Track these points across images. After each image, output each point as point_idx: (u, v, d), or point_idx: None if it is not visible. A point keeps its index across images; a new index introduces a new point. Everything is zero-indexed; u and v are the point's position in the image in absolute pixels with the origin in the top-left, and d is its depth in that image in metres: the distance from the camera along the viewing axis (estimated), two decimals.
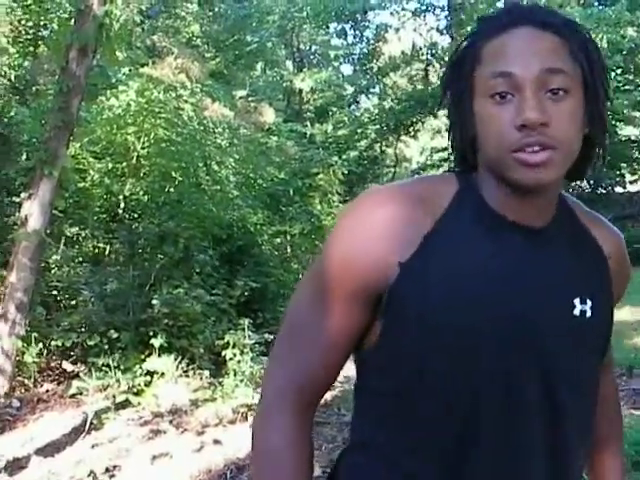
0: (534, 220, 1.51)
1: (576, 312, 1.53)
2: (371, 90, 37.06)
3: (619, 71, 28.32)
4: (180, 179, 11.91)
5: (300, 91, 31.50)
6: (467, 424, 1.42)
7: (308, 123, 25.33)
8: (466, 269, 1.43)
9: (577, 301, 1.53)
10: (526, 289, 1.47)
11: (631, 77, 28.64)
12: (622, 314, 13.19)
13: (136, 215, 11.60)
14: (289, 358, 1.55)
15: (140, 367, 8.83)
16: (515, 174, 1.43)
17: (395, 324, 1.45)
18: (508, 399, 1.43)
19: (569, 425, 1.52)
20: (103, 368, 8.66)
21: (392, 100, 34.83)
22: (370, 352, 1.52)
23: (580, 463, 1.62)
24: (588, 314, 1.54)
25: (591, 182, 28.70)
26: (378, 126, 33.64)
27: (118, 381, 8.49)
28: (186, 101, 12.48)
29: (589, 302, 1.55)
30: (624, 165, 30.10)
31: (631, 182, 30.41)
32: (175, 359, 8.97)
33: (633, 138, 30.02)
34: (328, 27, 36.71)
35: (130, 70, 13.08)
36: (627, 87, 27.89)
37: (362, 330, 1.51)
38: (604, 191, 28.67)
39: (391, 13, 36.52)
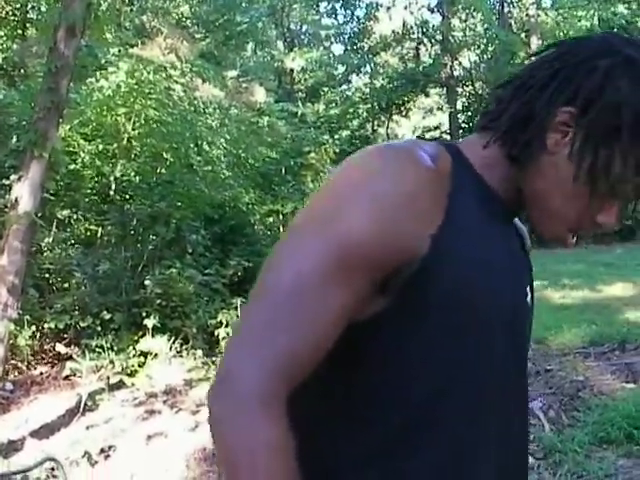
0: (515, 208, 1.53)
1: (528, 299, 1.57)
2: (362, 69, 37.04)
3: None
4: (171, 160, 11.88)
5: (291, 71, 31.49)
6: (476, 406, 1.40)
7: (299, 103, 25.22)
8: (480, 251, 1.39)
9: (527, 289, 1.57)
10: (514, 276, 1.49)
11: None
12: (614, 290, 13.28)
13: (127, 196, 11.56)
14: (281, 336, 1.26)
15: (134, 348, 8.84)
16: (546, 234, 1.48)
17: (417, 297, 1.33)
18: (505, 382, 1.44)
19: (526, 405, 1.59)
20: (96, 349, 8.67)
21: (383, 79, 34.90)
22: (359, 331, 1.34)
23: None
24: (529, 302, 1.58)
25: None
26: (369, 105, 33.68)
27: (112, 362, 8.49)
28: (176, 81, 12.41)
29: (529, 292, 1.59)
30: None
31: None
32: (168, 339, 8.98)
33: None
34: (318, 6, 36.69)
35: (119, 51, 12.97)
36: None
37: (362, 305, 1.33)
38: None
39: None
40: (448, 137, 30.28)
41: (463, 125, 34.26)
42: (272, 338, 1.25)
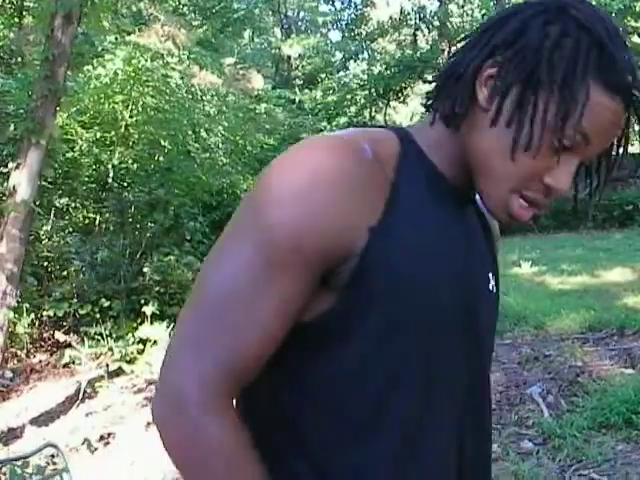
0: (467, 189, 1.46)
1: (491, 287, 1.54)
2: (360, 56, 36.94)
3: None
4: (169, 147, 11.87)
5: (288, 58, 31.46)
6: (428, 399, 1.37)
7: (297, 89, 25.29)
8: (427, 240, 1.35)
9: (490, 275, 1.54)
10: (470, 263, 1.46)
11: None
12: (612, 275, 13.28)
13: (125, 184, 11.56)
14: (219, 339, 1.24)
15: (132, 335, 8.84)
16: (492, 206, 1.41)
17: (360, 293, 1.28)
18: (460, 373, 1.42)
19: (489, 392, 1.55)
20: (96, 337, 8.68)
21: (381, 65, 34.79)
22: (310, 328, 1.31)
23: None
24: (493, 289, 1.55)
25: None
26: (367, 92, 33.58)
27: (111, 349, 8.51)
28: (174, 69, 12.41)
29: (492, 278, 1.55)
30: None
31: None
32: (167, 326, 8.98)
33: None
34: None
35: (116, 38, 12.96)
36: None
37: (305, 304, 1.29)
38: None
39: None
40: None
41: None
42: (209, 342, 1.24)
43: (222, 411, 1.23)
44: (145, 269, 9.60)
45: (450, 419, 1.40)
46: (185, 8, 21.94)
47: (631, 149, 30.05)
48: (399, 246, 1.29)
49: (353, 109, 34.09)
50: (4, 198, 8.41)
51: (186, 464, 1.24)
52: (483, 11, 32.96)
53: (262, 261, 1.23)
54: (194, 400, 1.21)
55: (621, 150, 1.42)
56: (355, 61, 37.54)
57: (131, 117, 11.46)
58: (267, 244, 1.23)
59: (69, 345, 8.66)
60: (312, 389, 1.34)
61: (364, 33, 36.45)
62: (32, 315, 9.04)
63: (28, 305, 8.89)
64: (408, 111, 37.72)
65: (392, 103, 35.62)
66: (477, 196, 1.52)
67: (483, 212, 1.60)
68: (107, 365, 8.24)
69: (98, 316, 9.19)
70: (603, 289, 11.92)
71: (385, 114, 35.40)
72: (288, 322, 1.27)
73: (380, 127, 1.46)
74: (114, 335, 8.79)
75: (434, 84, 1.45)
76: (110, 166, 11.28)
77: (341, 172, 1.25)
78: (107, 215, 11.25)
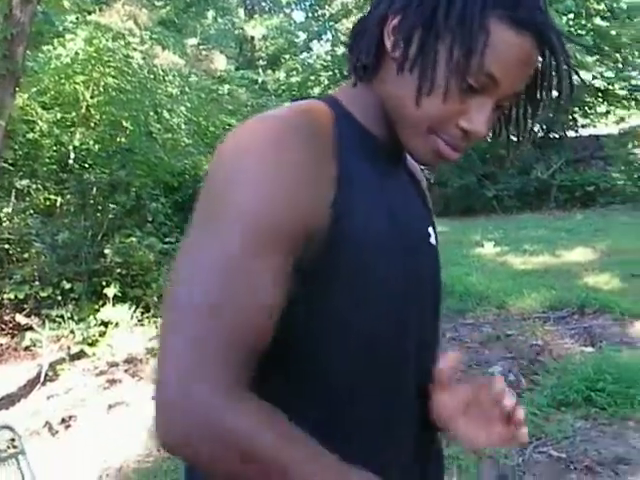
0: (397, 145, 1.44)
1: (432, 240, 1.53)
2: (323, 36, 36.83)
3: (571, 15, 28.41)
4: (131, 128, 11.77)
5: (252, 38, 31.37)
6: (394, 365, 1.39)
7: (260, 70, 25.20)
8: (376, 208, 1.35)
9: (430, 230, 1.54)
10: (411, 220, 1.45)
11: (583, 22, 28.75)
12: (573, 255, 13.42)
13: (87, 165, 11.46)
14: (225, 338, 1.16)
15: (94, 317, 8.79)
16: (418, 150, 1.38)
17: (327, 272, 1.28)
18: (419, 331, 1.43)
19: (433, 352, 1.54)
20: (57, 319, 8.62)
21: (345, 46, 34.72)
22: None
23: None
24: (434, 242, 1.55)
25: (543, 126, 28.86)
26: (331, 73, 33.50)
27: (72, 332, 8.45)
28: (135, 49, 12.30)
29: (432, 231, 1.55)
30: (576, 109, 30.32)
31: (583, 126, 30.67)
32: (129, 308, 8.95)
33: (585, 82, 30.21)
34: None
35: (77, 18, 12.83)
36: (579, 32, 28.00)
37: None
38: (556, 135, 28.82)
39: None
40: None
41: None
42: (217, 344, 1.15)
43: (239, 400, 1.14)
44: (107, 251, 9.54)
45: (409, 379, 1.42)
46: None
47: (592, 130, 30.32)
48: (355, 220, 1.28)
49: (317, 90, 33.98)
50: None
51: (236, 469, 1.13)
52: None
53: (243, 249, 1.19)
54: (222, 406, 1.12)
55: (544, 92, 1.39)
56: (319, 42, 37.46)
57: (92, 98, 11.36)
58: (243, 231, 1.19)
59: (30, 328, 8.59)
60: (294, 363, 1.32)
61: (328, 14, 36.32)
62: None
63: None
64: None
65: None
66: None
67: (410, 165, 1.61)
68: (68, 348, 8.20)
69: (59, 298, 9.12)
70: (564, 269, 12.05)
71: None
72: (283, 299, 1.22)
73: (304, 99, 1.44)
74: (75, 317, 8.73)
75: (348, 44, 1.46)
76: (71, 147, 11.18)
77: (291, 154, 1.23)
78: (68, 197, 11.14)
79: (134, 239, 9.75)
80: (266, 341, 1.20)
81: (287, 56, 35.06)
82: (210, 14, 27.04)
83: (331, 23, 36.14)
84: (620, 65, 29.50)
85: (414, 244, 1.43)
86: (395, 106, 1.37)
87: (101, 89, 11.38)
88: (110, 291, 8.95)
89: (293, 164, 1.22)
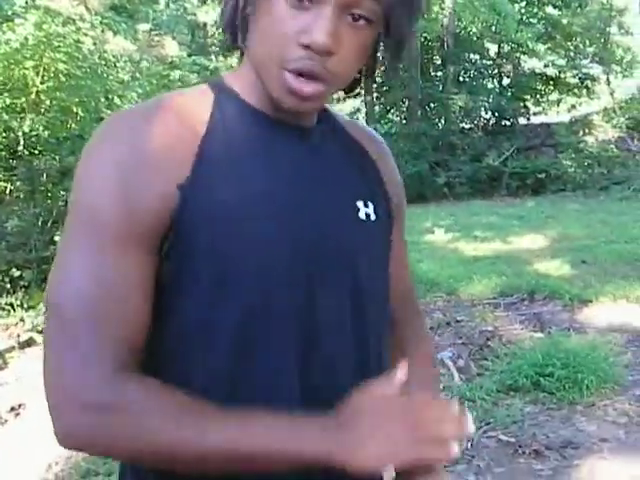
0: (298, 119, 1.43)
1: (361, 215, 1.49)
2: None
3: (523, 4, 28.63)
4: (81, 114, 11.67)
5: (204, 24, 31.10)
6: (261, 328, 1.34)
7: (213, 57, 25.00)
8: (249, 180, 1.33)
9: (360, 204, 1.49)
10: (311, 192, 1.42)
11: (534, 10, 28.97)
12: (524, 242, 13.56)
13: (36, 151, 11.34)
14: (98, 340, 1.27)
15: (44, 305, 8.72)
16: (276, 93, 1.32)
17: (186, 256, 1.29)
18: (309, 304, 1.37)
19: (371, 330, 1.49)
20: (6, 307, 8.56)
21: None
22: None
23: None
24: (372, 217, 1.51)
25: (495, 113, 29.06)
26: None
27: (22, 320, 8.39)
28: (86, 34, 12.18)
29: (371, 205, 1.51)
30: (528, 97, 30.60)
31: (535, 114, 30.97)
32: None
33: (537, 71, 30.50)
34: None
35: (27, 2, 12.67)
36: (531, 20, 28.23)
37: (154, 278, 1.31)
38: (508, 122, 29.02)
39: None
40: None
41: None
42: (91, 347, 1.28)
43: (124, 383, 1.25)
44: (56, 238, 9.45)
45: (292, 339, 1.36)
46: None
47: (543, 118, 30.59)
48: (214, 196, 1.29)
49: None
50: None
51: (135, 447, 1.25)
52: None
53: (102, 249, 1.25)
54: (109, 392, 1.25)
55: (405, 10, 1.32)
56: None
57: (42, 83, 11.23)
58: (94, 231, 1.25)
59: None
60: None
61: None
62: None
63: None
64: None
65: None
66: (338, 120, 1.56)
67: (353, 134, 1.59)
68: (18, 336, 8.13)
69: (9, 286, 9.05)
70: (515, 255, 12.17)
71: None
72: (151, 294, 1.30)
73: (194, 84, 1.49)
74: (25, 305, 8.68)
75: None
76: (20, 133, 11.04)
77: (139, 142, 1.28)
78: (17, 183, 11.03)
79: None
80: (140, 328, 1.28)
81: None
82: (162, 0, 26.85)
83: None
84: (571, 54, 29.82)
85: (315, 218, 1.39)
86: (255, 64, 1.37)
87: (51, 74, 11.26)
88: None
89: (127, 156, 1.27)
